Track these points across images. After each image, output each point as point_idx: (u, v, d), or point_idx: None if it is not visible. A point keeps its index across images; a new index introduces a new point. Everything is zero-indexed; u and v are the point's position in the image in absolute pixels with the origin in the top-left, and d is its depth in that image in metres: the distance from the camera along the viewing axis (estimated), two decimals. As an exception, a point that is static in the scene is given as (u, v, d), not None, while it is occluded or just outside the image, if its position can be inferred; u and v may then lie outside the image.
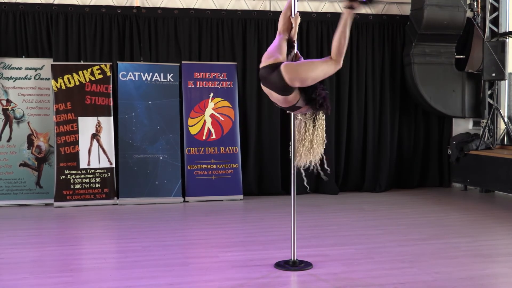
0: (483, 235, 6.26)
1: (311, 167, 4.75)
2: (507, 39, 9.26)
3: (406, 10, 9.41)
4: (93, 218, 7.34)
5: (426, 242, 5.83)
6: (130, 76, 8.32)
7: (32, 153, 8.13)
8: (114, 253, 5.65)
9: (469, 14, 9.21)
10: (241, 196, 8.52)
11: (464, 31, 9.24)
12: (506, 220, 7.13)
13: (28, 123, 8.16)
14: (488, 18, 9.42)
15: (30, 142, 8.15)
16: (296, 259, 4.96)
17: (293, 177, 4.95)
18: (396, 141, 9.54)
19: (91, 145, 8.15)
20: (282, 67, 4.40)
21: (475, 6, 9.27)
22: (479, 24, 9.36)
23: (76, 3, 8.48)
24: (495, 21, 9.50)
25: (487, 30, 9.45)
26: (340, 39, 4.36)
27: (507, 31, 9.45)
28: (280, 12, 5.00)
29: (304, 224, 6.37)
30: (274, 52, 4.59)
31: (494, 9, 9.50)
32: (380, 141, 9.42)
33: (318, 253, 5.33)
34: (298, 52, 4.91)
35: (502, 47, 8.96)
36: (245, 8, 9.00)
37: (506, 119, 9.41)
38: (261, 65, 4.58)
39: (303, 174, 4.75)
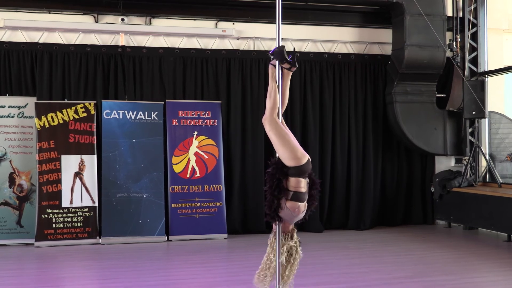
0: (468, 273, 6.26)
1: None
2: (486, 78, 9.46)
3: (388, 50, 9.60)
4: (75, 258, 7.22)
5: (411, 280, 5.81)
6: (115, 114, 8.32)
7: (14, 192, 8.02)
8: (95, 293, 5.55)
9: (448, 54, 9.43)
10: (226, 235, 8.46)
11: (444, 71, 9.44)
12: (490, 257, 7.15)
13: (10, 161, 8.08)
14: (467, 57, 9.66)
15: (11, 180, 8.05)
16: (281, 298, 4.90)
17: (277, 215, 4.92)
18: (380, 178, 9.59)
19: (74, 184, 8.08)
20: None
21: (455, 46, 9.52)
22: (458, 64, 9.58)
23: (61, 42, 8.53)
24: (474, 61, 9.73)
25: (467, 69, 9.67)
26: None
27: (486, 70, 9.66)
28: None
29: (288, 262, 6.30)
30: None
31: (473, 49, 9.73)
32: (363, 179, 9.46)
33: (303, 292, 5.28)
34: None
35: (482, 86, 9.15)
36: (229, 47, 9.11)
37: (487, 157, 9.53)
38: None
39: None
